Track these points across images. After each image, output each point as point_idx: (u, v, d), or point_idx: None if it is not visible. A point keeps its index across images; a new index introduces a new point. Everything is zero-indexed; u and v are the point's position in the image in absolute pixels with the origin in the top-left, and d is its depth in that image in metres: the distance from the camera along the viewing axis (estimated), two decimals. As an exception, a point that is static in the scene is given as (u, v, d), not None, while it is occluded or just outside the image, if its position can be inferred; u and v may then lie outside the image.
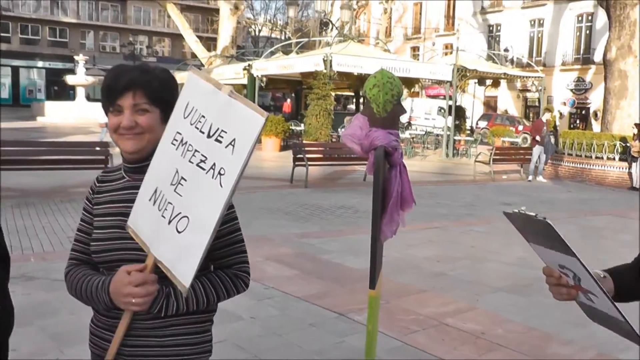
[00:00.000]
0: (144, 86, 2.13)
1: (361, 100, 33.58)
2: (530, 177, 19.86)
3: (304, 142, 21.28)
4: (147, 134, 2.14)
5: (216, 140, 1.89)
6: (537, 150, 19.96)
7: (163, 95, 2.15)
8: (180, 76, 36.13)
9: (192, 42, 36.94)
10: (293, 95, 38.61)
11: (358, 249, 8.80)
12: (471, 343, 5.57)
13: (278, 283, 7.10)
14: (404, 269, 7.96)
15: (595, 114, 38.60)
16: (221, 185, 1.82)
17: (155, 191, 2.05)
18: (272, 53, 32.27)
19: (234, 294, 2.22)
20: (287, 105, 42.38)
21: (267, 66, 27.35)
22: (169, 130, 2.07)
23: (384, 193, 2.27)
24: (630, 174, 19.32)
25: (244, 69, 27.80)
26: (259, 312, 6.11)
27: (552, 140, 22.28)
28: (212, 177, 1.86)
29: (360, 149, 2.30)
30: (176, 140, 2.02)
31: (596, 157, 20.73)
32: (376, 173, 2.19)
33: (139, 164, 2.18)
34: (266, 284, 7.02)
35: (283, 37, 59.99)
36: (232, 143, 1.84)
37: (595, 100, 39.66)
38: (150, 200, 2.06)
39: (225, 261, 2.23)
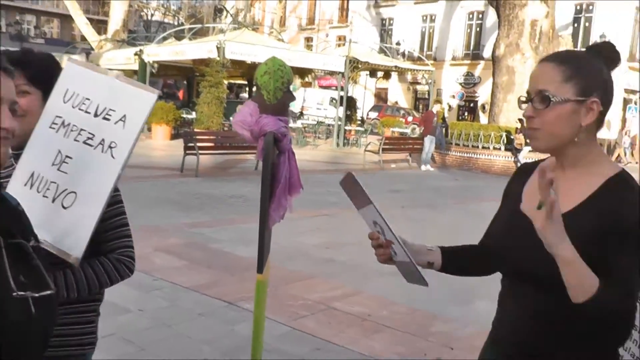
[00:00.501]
0: (23, 67, 2.08)
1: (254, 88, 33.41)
2: (423, 167, 20.46)
3: (195, 130, 21.06)
4: (29, 116, 2.09)
5: (104, 118, 1.97)
6: (428, 140, 20.62)
7: (43, 76, 2.11)
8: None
9: (82, 25, 35.70)
10: (185, 82, 38.03)
11: (249, 237, 8.79)
12: (358, 325, 5.71)
13: (167, 274, 7.01)
14: (293, 256, 8.04)
15: (483, 107, 39.96)
16: (113, 157, 1.92)
17: (32, 175, 2.03)
18: (165, 39, 31.69)
19: (117, 280, 2.17)
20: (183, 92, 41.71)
21: (159, 52, 26.80)
22: (46, 116, 2.07)
23: (273, 179, 2.30)
24: (515, 162, 20.32)
25: (135, 54, 27.14)
26: (147, 304, 6.03)
27: (443, 131, 23.08)
28: (102, 151, 1.94)
29: (251, 135, 2.32)
30: (55, 124, 2.04)
31: (483, 147, 21.65)
32: (265, 159, 2.22)
33: (21, 151, 2.11)
34: (155, 275, 6.92)
35: (176, 23, 58.96)
36: (123, 119, 1.94)
37: (483, 94, 41.04)
38: (26, 185, 2.04)
39: (108, 246, 2.17)
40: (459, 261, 2.18)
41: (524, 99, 1.87)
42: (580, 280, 1.64)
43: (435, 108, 21.97)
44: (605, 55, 1.84)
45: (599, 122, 1.85)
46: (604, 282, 1.64)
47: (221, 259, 7.86)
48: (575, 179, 1.85)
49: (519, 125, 20.07)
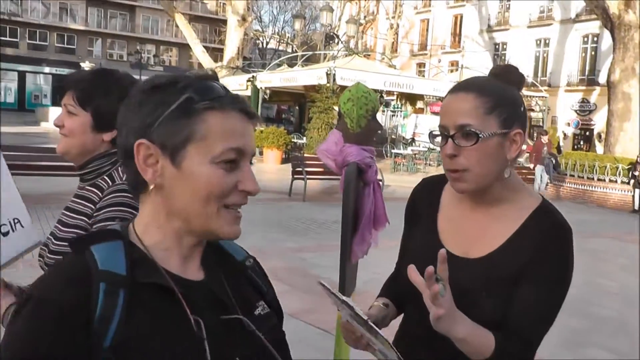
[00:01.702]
0: (75, 87, 2.04)
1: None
2: (535, 197, 19.90)
3: (305, 155, 21.25)
4: (71, 137, 2.04)
5: None
6: (538, 170, 20.07)
7: (93, 99, 2.02)
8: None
9: (199, 53, 36.87)
10: (297, 108, 38.60)
11: (351, 264, 8.70)
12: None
13: (268, 298, 7.00)
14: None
15: (599, 136, 38.49)
16: None
17: None
18: (278, 65, 32.31)
19: None
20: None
21: (271, 78, 27.34)
22: None
23: (356, 212, 2.19)
24: (633, 196, 19.36)
25: (248, 80, 27.79)
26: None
27: (553, 161, 22.29)
28: None
29: (335, 165, 2.23)
30: None
31: (598, 179, 20.73)
32: (346, 191, 2.12)
33: (79, 172, 2.10)
34: (256, 298, 6.92)
35: (290, 50, 60.05)
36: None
37: (599, 122, 39.55)
38: None
39: None
40: (400, 296, 2.04)
41: (436, 132, 1.72)
42: (475, 349, 1.61)
43: (544, 138, 21.36)
44: (513, 81, 1.74)
45: (519, 153, 1.76)
46: (504, 333, 1.63)
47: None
48: (501, 215, 1.76)
49: None
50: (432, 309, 1.48)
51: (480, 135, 1.62)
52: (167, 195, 1.22)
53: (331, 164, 2.28)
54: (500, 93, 1.69)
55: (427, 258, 1.74)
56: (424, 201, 1.94)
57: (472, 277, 1.68)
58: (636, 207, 19.13)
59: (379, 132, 2.14)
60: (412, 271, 1.50)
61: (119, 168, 2.04)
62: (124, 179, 1.97)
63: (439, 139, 1.70)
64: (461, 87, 1.72)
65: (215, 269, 1.33)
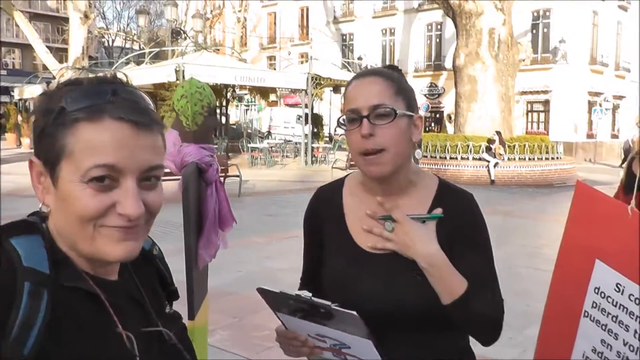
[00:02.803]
0: None
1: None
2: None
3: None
4: None
5: None
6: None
7: None
8: (29, 90, 34.38)
9: (43, 53, 35.00)
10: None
11: (215, 264, 8.52)
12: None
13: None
14: (259, 283, 7.76)
15: (449, 117, 40.06)
16: None
17: None
18: (125, 64, 31.41)
19: None
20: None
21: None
22: None
23: (200, 214, 2.07)
24: (489, 170, 20.83)
25: (95, 81, 26.79)
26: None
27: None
28: None
29: (174, 166, 2.10)
30: None
31: (450, 158, 21.69)
32: (185, 193, 1.99)
33: None
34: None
35: (138, 47, 58.55)
36: None
37: (448, 104, 41.12)
38: None
39: None
40: None
41: (344, 120, 1.71)
42: (445, 285, 1.64)
43: (413, 122, 22.20)
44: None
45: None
46: (474, 286, 1.66)
47: (180, 289, 7.56)
48: (408, 201, 1.78)
49: (497, 138, 20.67)
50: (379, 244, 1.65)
51: (397, 112, 1.65)
52: (51, 215, 1.11)
53: (171, 165, 2.14)
54: (401, 80, 1.76)
55: (346, 259, 1.78)
56: (326, 208, 1.89)
57: (398, 266, 1.70)
58: (493, 178, 20.79)
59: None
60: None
61: None
62: None
63: (346, 125, 1.70)
64: (367, 73, 1.75)
65: (125, 264, 1.21)
